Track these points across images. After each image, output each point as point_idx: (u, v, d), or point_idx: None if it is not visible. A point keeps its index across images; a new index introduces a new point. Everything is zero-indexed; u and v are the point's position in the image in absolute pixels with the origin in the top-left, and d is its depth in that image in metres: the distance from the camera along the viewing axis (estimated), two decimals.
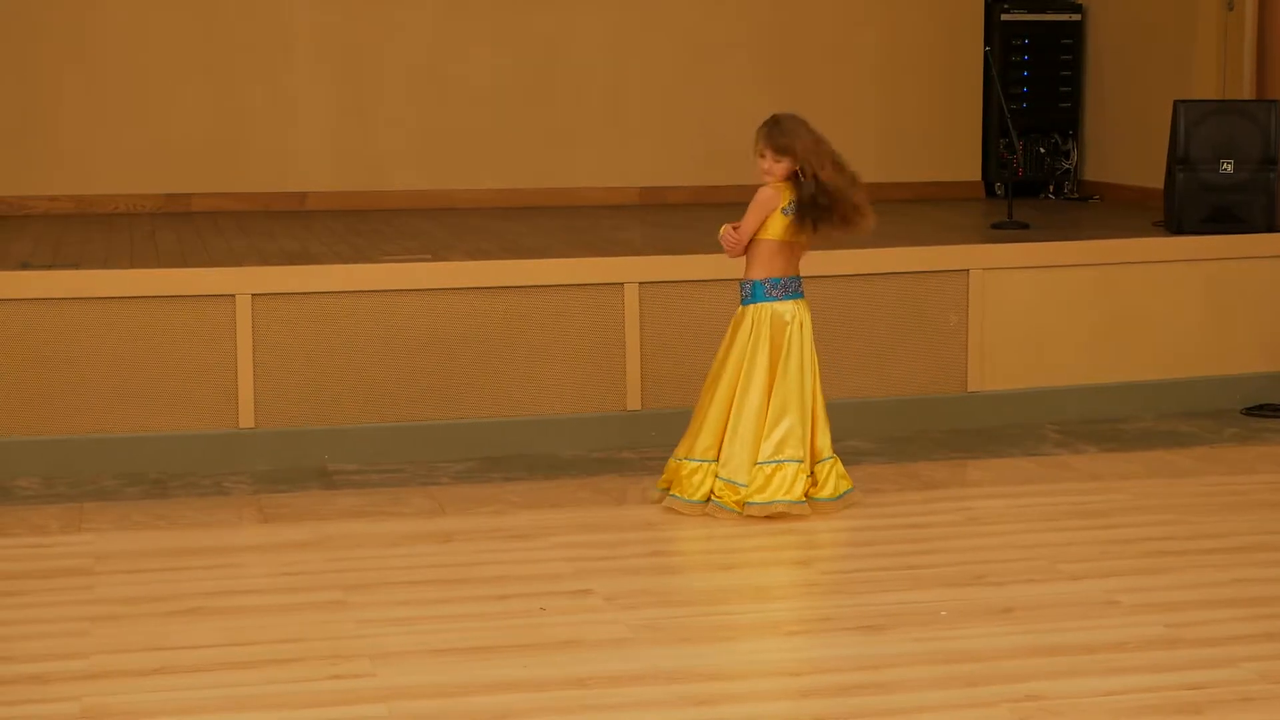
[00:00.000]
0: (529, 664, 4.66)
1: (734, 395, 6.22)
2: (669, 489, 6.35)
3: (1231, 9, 10.47)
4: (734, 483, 6.16)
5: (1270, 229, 8.81)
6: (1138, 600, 5.23)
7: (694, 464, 6.24)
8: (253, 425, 7.37)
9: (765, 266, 6.26)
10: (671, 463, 6.39)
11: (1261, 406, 8.44)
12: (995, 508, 6.53)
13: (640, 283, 7.72)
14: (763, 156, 6.21)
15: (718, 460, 6.21)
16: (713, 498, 6.20)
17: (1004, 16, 11.82)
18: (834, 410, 7.90)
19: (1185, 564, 5.66)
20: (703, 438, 6.26)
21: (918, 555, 5.78)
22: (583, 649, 4.80)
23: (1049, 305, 8.28)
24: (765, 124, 6.25)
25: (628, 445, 7.64)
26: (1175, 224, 8.92)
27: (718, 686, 4.56)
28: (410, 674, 4.60)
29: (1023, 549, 5.85)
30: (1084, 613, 5.11)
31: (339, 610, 5.16)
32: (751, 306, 6.26)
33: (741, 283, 6.32)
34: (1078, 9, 11.91)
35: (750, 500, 6.14)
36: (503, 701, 4.41)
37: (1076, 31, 11.88)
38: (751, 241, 6.27)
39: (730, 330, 6.32)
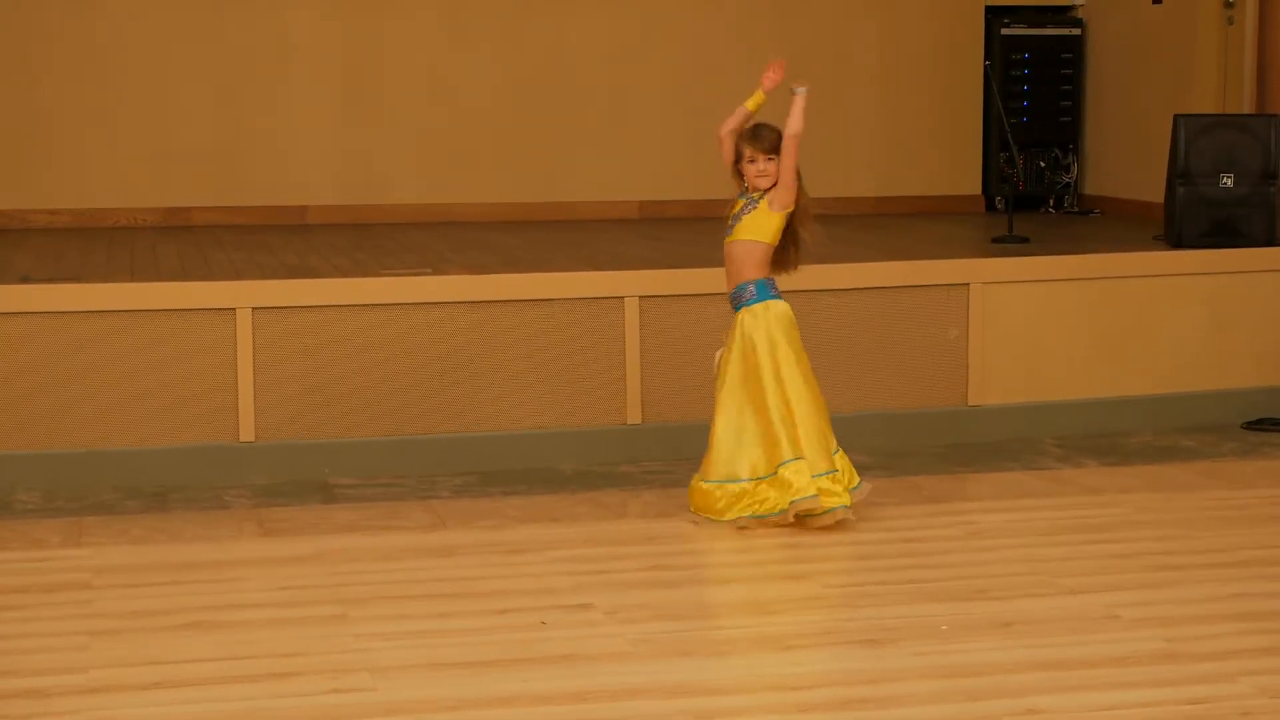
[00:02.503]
0: (529, 678, 4.65)
1: (788, 395, 6.22)
2: (754, 512, 6.23)
3: (1232, 23, 10.48)
4: (830, 474, 6.21)
5: (1270, 243, 8.82)
6: (1138, 615, 5.22)
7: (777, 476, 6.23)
8: (253, 439, 7.37)
9: (765, 268, 6.31)
10: (716, 489, 6.28)
11: (1261, 421, 8.43)
12: (996, 522, 6.53)
13: (640, 296, 7.72)
14: (754, 161, 6.23)
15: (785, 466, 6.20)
16: (815, 500, 6.17)
17: (1004, 31, 11.84)
18: (835, 423, 7.91)
19: (1185, 578, 5.65)
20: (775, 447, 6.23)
21: (918, 569, 5.78)
22: (582, 663, 4.79)
23: (1049, 319, 8.28)
24: (750, 132, 6.27)
25: (628, 459, 7.64)
26: (1175, 238, 8.93)
27: (718, 701, 4.55)
28: (410, 688, 4.59)
29: (1023, 563, 5.85)
30: (1084, 627, 5.10)
31: (339, 624, 5.15)
32: (762, 305, 6.26)
33: (749, 284, 6.28)
34: (1077, 23, 11.93)
35: (853, 486, 6.27)
36: (502, 715, 4.40)
37: (1076, 45, 11.90)
38: (754, 244, 6.26)
39: (745, 337, 6.28)
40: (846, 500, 6.18)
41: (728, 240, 6.32)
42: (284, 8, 11.02)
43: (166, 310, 7.30)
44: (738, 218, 6.29)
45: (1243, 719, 4.37)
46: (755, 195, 6.27)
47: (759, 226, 6.26)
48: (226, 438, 7.37)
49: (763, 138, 6.25)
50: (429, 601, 5.42)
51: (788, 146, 6.19)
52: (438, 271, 7.93)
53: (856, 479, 6.30)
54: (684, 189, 11.20)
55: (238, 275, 7.91)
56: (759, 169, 6.23)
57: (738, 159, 6.29)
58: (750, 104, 6.37)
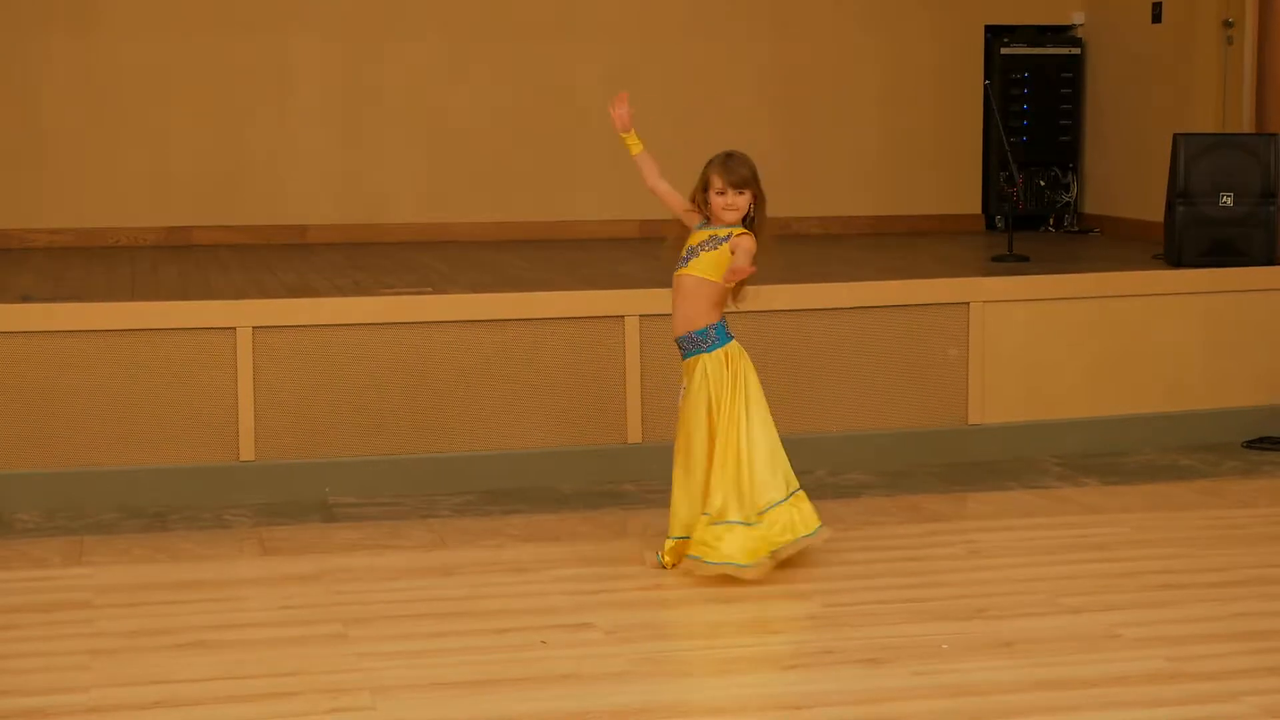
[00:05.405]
0: (529, 697, 4.65)
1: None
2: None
3: (1231, 43, 10.50)
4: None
5: (1270, 262, 8.82)
6: (1139, 634, 5.22)
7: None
8: (253, 458, 7.37)
9: (721, 308, 6.03)
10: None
11: (1262, 439, 8.43)
12: (996, 541, 6.53)
13: (641, 315, 7.72)
14: (723, 193, 5.91)
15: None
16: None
17: (1004, 50, 11.86)
18: (835, 443, 7.95)
19: (1186, 597, 5.65)
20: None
21: (919, 588, 5.77)
22: (582, 683, 4.79)
23: (1049, 338, 8.28)
24: (719, 161, 5.97)
25: (628, 478, 7.64)
26: (1175, 257, 8.94)
27: None
28: (410, 707, 4.59)
29: (1024, 582, 5.85)
30: (1085, 646, 5.10)
31: (339, 643, 5.15)
32: (723, 351, 5.99)
33: (709, 330, 5.96)
34: (1077, 42, 11.95)
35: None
36: None
37: (1076, 65, 11.92)
38: (712, 284, 5.95)
39: (740, 374, 6.00)
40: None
41: (681, 271, 5.99)
42: (285, 29, 11.04)
43: (167, 329, 7.31)
44: (695, 251, 5.96)
45: None
46: (721, 233, 5.93)
47: (717, 269, 5.93)
48: (227, 457, 7.37)
49: (733, 170, 5.93)
50: (429, 621, 5.42)
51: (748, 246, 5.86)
52: (438, 291, 7.93)
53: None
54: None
55: (238, 294, 7.91)
56: (727, 201, 5.90)
57: (705, 188, 5.96)
58: (634, 150, 6.18)
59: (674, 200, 6.11)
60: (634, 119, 6.24)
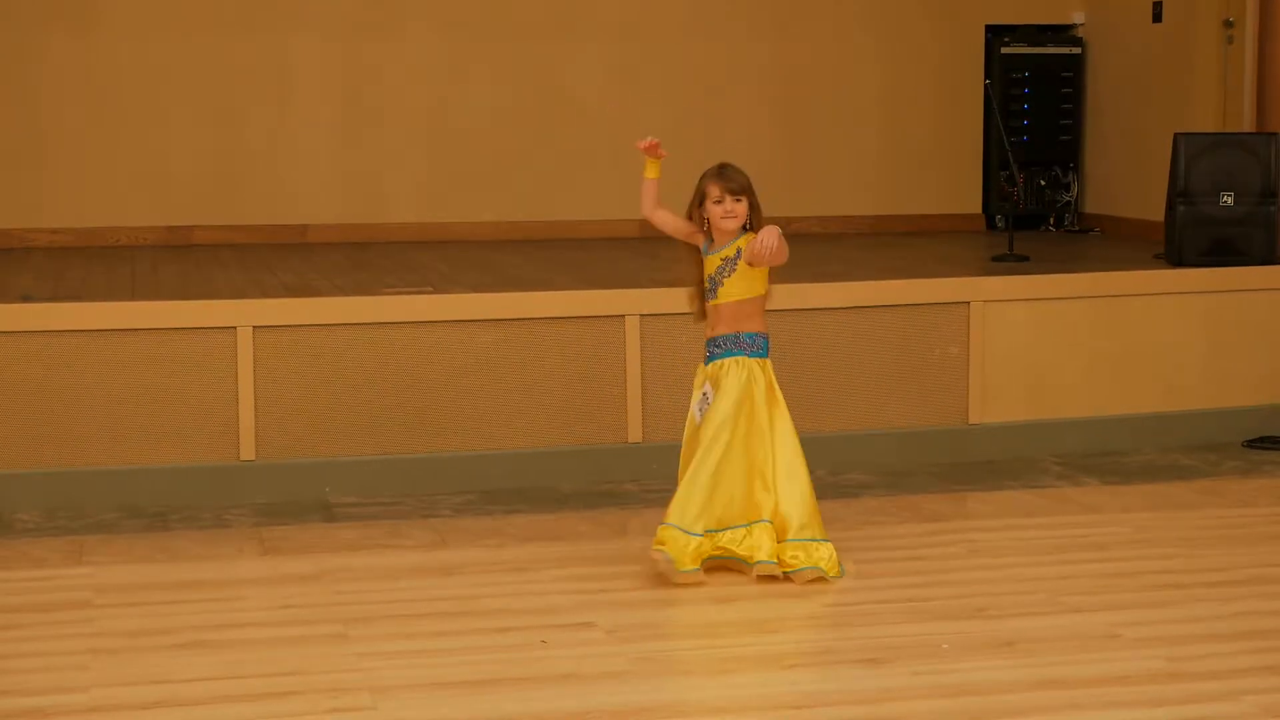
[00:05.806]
0: (530, 697, 4.65)
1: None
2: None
3: (1231, 42, 10.51)
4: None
5: (1270, 261, 8.82)
6: (1139, 633, 5.22)
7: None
8: (253, 458, 7.37)
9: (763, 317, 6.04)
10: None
11: (1262, 439, 8.43)
12: (996, 540, 6.53)
13: (641, 315, 7.73)
14: (720, 201, 5.94)
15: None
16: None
17: (1004, 50, 11.86)
18: (834, 443, 7.95)
19: (1187, 597, 5.65)
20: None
21: (919, 588, 5.77)
22: (583, 682, 4.79)
23: (1049, 338, 8.28)
24: (714, 172, 6.01)
25: (629, 477, 7.64)
26: (1175, 256, 8.94)
27: None
28: (410, 707, 4.59)
29: (1024, 582, 5.85)
30: (1086, 646, 5.10)
31: (339, 643, 5.15)
32: (762, 362, 5.96)
33: (757, 336, 5.96)
34: (1078, 42, 11.95)
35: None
36: None
37: (1076, 64, 11.92)
38: (751, 300, 5.96)
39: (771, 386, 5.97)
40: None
41: (715, 303, 5.98)
42: (285, 29, 11.04)
43: (168, 329, 7.31)
44: (718, 280, 5.96)
45: None
46: (730, 253, 5.94)
47: (748, 285, 5.95)
48: (227, 457, 7.37)
49: (730, 177, 5.96)
50: (430, 620, 5.42)
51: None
52: (438, 291, 7.93)
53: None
54: (684, 208, 11.18)
55: (238, 294, 7.91)
56: (726, 209, 5.93)
57: (700, 202, 6.00)
58: (651, 173, 6.16)
59: (676, 224, 6.15)
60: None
